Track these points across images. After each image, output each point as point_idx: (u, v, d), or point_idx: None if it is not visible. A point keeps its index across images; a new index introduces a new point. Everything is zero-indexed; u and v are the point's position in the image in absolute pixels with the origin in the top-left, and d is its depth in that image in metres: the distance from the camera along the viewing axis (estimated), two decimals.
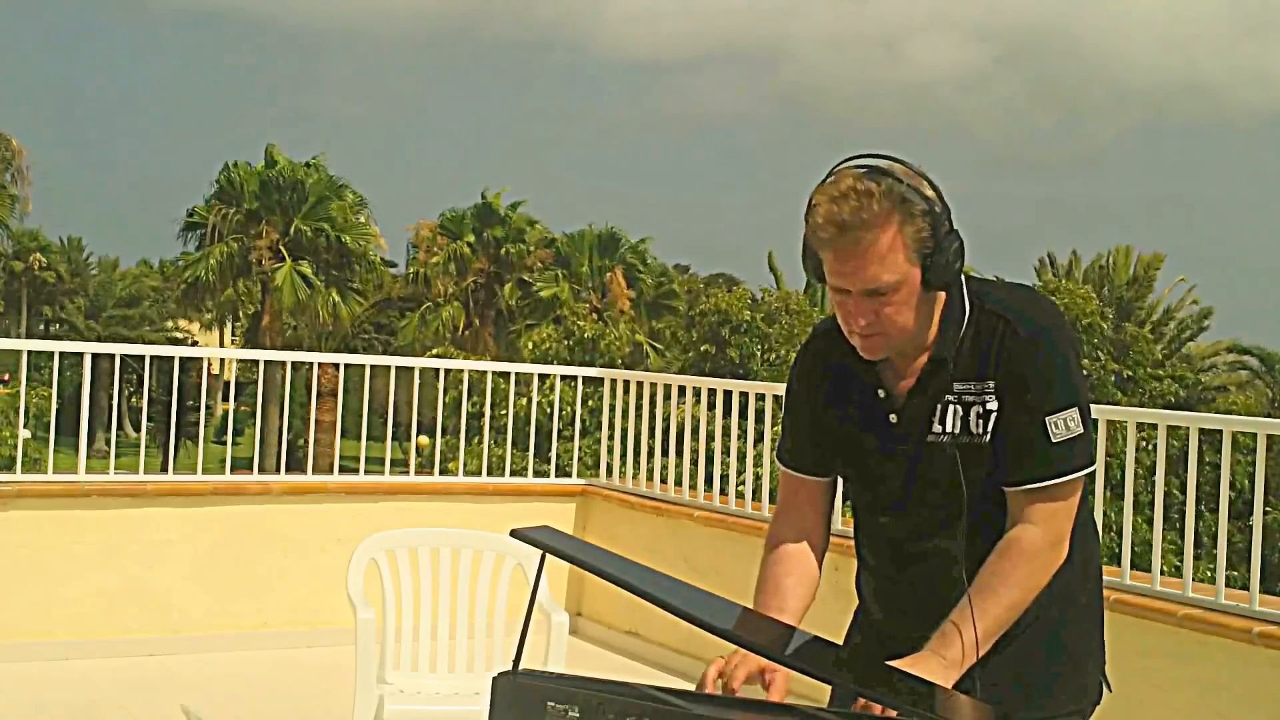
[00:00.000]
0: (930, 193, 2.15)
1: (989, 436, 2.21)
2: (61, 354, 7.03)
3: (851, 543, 2.47)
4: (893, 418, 2.28)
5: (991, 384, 2.21)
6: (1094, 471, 2.27)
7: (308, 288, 37.04)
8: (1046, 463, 2.19)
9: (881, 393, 2.29)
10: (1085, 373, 2.31)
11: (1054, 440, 2.18)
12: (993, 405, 2.21)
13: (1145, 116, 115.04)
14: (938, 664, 2.10)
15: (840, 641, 2.31)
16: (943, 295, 2.22)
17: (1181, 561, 5.54)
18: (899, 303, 2.16)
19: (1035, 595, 2.19)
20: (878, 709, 1.98)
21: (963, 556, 2.22)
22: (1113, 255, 39.44)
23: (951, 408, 2.23)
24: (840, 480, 2.47)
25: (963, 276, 2.24)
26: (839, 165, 2.17)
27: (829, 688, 2.17)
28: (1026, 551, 2.17)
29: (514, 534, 2.04)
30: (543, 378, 15.61)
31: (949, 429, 2.23)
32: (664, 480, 7.60)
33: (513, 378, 8.39)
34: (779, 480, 2.49)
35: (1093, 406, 2.36)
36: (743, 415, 7.04)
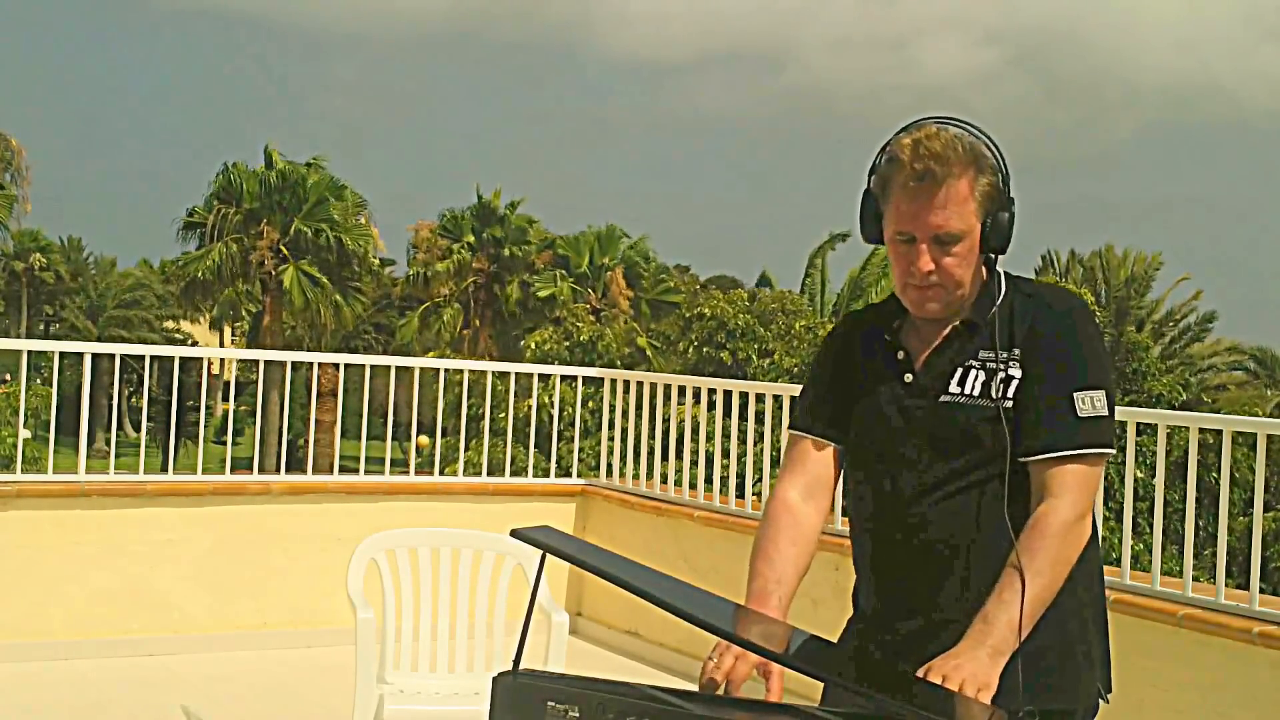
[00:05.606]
0: (997, 153, 2.26)
1: (1010, 403, 2.23)
2: (61, 354, 7.04)
3: (851, 542, 2.46)
4: (908, 377, 2.31)
5: (1017, 352, 2.25)
6: (1113, 455, 2.28)
7: (315, 287, 37.01)
8: (1072, 433, 2.20)
9: (901, 354, 2.33)
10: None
11: (1080, 415, 2.20)
12: (1015, 372, 2.24)
13: (1159, 118, 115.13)
14: (985, 654, 2.09)
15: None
16: (983, 269, 2.29)
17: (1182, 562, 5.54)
18: (960, 255, 2.23)
19: (1067, 571, 2.18)
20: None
21: (1006, 535, 2.19)
22: (1105, 254, 39.25)
23: (974, 371, 2.26)
24: (850, 451, 2.43)
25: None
26: (915, 120, 2.26)
27: (820, 686, 2.17)
28: (1056, 527, 2.17)
29: (514, 534, 2.04)
30: (543, 378, 15.59)
31: (968, 390, 2.25)
32: (664, 480, 7.60)
33: (513, 378, 8.38)
34: (787, 445, 2.48)
35: None
36: (742, 416, 7.03)
